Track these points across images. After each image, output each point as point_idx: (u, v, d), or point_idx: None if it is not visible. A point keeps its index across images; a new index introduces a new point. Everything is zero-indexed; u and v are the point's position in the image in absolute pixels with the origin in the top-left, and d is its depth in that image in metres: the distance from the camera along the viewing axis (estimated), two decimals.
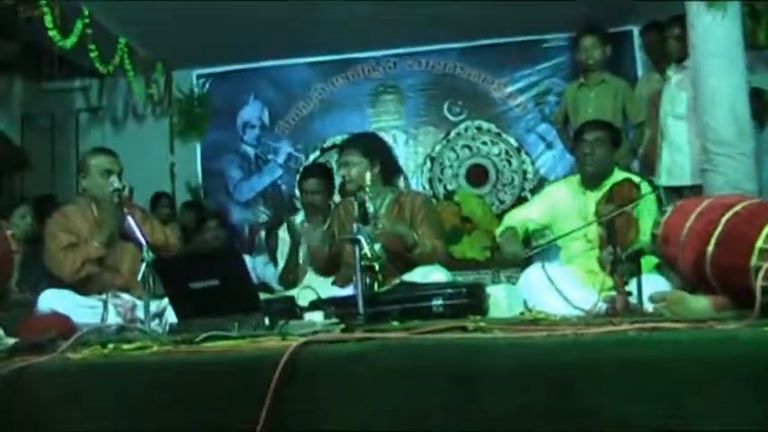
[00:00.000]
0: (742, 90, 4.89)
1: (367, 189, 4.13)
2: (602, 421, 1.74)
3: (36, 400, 2.11)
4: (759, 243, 2.56)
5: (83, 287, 4.53)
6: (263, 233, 8.18)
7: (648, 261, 3.86)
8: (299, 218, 5.89)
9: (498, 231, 4.85)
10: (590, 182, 4.72)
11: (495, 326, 2.40)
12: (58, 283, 4.57)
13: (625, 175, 4.76)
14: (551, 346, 1.90)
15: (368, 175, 4.20)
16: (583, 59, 6.39)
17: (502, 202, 8.22)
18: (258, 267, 6.75)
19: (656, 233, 3.16)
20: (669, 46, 5.78)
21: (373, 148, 4.76)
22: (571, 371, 1.79)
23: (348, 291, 4.13)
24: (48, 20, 5.88)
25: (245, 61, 8.50)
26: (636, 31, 7.86)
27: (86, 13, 6.39)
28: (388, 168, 4.78)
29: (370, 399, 1.86)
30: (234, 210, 8.57)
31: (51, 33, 5.95)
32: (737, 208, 2.77)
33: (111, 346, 2.48)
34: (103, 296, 4.40)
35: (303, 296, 3.67)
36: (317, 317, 3.15)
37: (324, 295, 3.82)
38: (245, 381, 1.95)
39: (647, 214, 4.29)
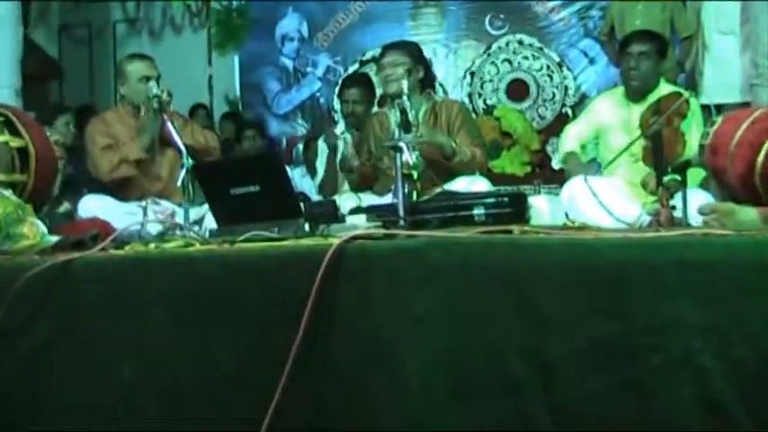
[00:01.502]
0: None
1: (407, 95, 4.07)
2: (656, 321, 1.70)
3: (80, 293, 2.12)
4: None
5: (122, 192, 4.57)
6: (300, 146, 8.17)
7: (694, 175, 3.78)
8: (339, 128, 5.85)
9: (559, 157, 4.81)
10: (635, 94, 4.63)
11: (541, 230, 2.37)
12: (98, 189, 4.60)
13: (672, 88, 4.67)
14: (602, 246, 1.86)
15: (408, 80, 4.15)
16: None
17: (542, 117, 8.12)
18: (296, 179, 6.74)
19: (704, 143, 3.09)
20: None
21: (418, 53, 4.70)
22: (624, 270, 1.74)
23: (387, 199, 4.10)
24: None
25: None
26: None
27: None
28: (428, 76, 4.73)
29: (419, 295, 1.83)
30: (272, 122, 8.55)
31: None
32: None
33: (152, 245, 2.49)
34: (143, 202, 4.42)
35: (343, 203, 3.66)
36: (358, 221, 3.12)
37: (364, 204, 3.82)
38: (289, 276, 1.93)
39: (694, 128, 4.21)
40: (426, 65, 4.76)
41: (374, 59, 8.12)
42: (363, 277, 1.87)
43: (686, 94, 4.51)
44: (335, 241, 1.89)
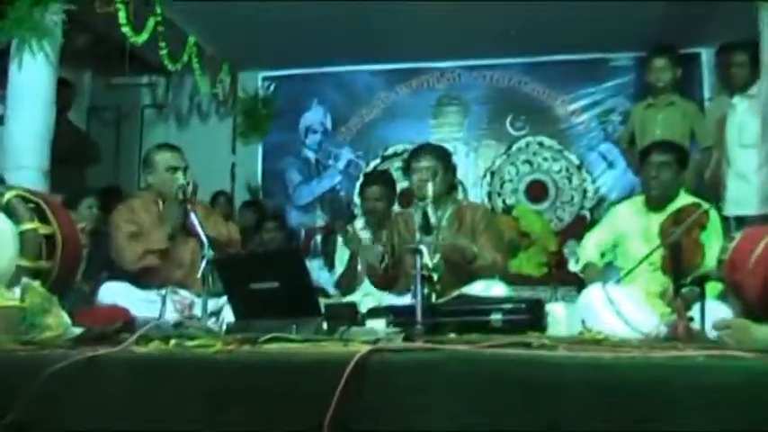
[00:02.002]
0: None
1: (430, 198, 4.13)
2: None
3: (104, 390, 2.13)
4: None
5: (142, 280, 4.60)
6: (319, 237, 8.22)
7: (713, 288, 3.79)
8: (358, 224, 5.89)
9: (579, 267, 4.83)
10: (655, 203, 4.67)
11: (559, 343, 2.38)
12: (120, 275, 4.64)
13: (692, 198, 4.70)
14: (622, 366, 1.87)
15: (436, 184, 4.25)
16: (653, 80, 6.34)
17: (560, 219, 8.17)
18: (314, 271, 6.76)
19: (723, 258, 3.12)
20: (733, 72, 5.72)
21: (448, 157, 4.79)
22: (643, 393, 1.76)
23: (406, 299, 4.12)
24: (122, 15, 5.99)
25: (310, 66, 8.53)
26: (704, 53, 7.77)
27: (159, 11, 6.49)
28: (454, 180, 4.81)
29: (440, 407, 1.86)
30: (291, 213, 8.60)
31: (124, 29, 6.04)
32: None
33: (173, 341, 2.51)
34: (162, 291, 4.46)
35: (363, 302, 3.68)
36: (377, 324, 3.14)
37: (382, 303, 3.84)
38: (310, 385, 1.95)
39: (714, 240, 4.23)
40: (454, 169, 4.85)
41: (395, 155, 8.32)
42: (383, 388, 1.90)
43: (706, 205, 4.54)
44: (357, 351, 1.92)
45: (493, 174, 8.37)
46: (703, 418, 1.73)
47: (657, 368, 1.85)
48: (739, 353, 2.16)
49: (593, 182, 8.22)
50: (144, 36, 6.31)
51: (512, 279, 5.16)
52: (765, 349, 2.35)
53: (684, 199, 4.64)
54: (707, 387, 1.77)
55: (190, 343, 2.46)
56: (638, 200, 4.87)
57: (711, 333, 3.05)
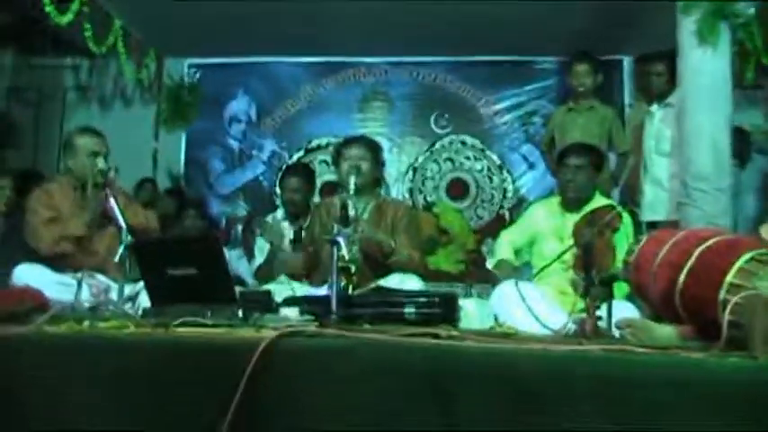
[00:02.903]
0: (725, 127, 4.97)
1: (351, 190, 4.19)
2: None
3: (11, 369, 2.12)
4: (729, 277, 2.61)
5: (58, 264, 4.54)
6: (239, 227, 8.21)
7: (621, 287, 3.91)
8: (278, 214, 5.91)
9: (493, 264, 4.91)
10: (570, 205, 4.79)
11: (467, 336, 2.44)
12: (34, 258, 4.58)
13: (606, 201, 4.84)
14: (522, 356, 1.94)
15: (362, 176, 4.32)
16: (574, 85, 6.45)
17: (480, 217, 8.29)
18: (233, 261, 6.74)
19: (628, 260, 3.21)
20: (651, 82, 5.87)
21: (379, 151, 4.87)
22: (541, 383, 1.83)
23: (323, 291, 4.16)
24: None
25: (237, 55, 8.48)
26: (626, 60, 7.95)
27: None
28: (380, 174, 4.87)
29: (345, 394, 1.90)
30: (213, 202, 8.56)
31: (48, 9, 5.93)
32: (711, 242, 2.81)
33: (86, 323, 2.51)
34: (78, 275, 4.41)
35: (278, 291, 3.70)
36: (291, 313, 3.17)
37: (298, 293, 3.87)
38: (219, 368, 1.98)
39: (625, 241, 4.33)
40: (383, 164, 4.91)
41: (319, 148, 8.34)
42: (292, 373, 1.93)
43: (619, 207, 4.67)
44: (267, 335, 1.95)
45: (415, 170, 8.45)
46: (599, 409, 1.80)
47: (556, 359, 1.92)
48: (640, 349, 2.26)
49: (514, 182, 8.35)
50: (68, 17, 6.19)
51: (429, 275, 5.23)
52: (664, 347, 2.46)
53: (599, 201, 4.76)
54: (604, 378, 1.84)
55: (103, 324, 2.46)
56: (554, 200, 4.98)
57: (617, 332, 3.16)
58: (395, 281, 4.21)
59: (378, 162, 4.80)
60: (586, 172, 4.77)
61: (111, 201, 4.23)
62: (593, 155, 4.90)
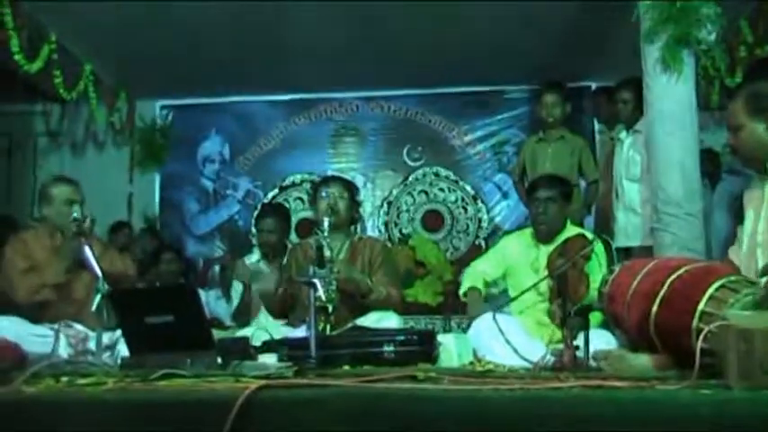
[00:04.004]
0: (694, 151, 5.03)
1: (326, 231, 4.22)
2: None
3: None
4: (701, 306, 2.66)
5: (35, 314, 4.52)
6: (217, 267, 8.20)
7: (596, 316, 3.95)
8: (254, 256, 5.93)
9: (462, 291, 4.93)
10: (543, 236, 4.82)
11: (444, 376, 2.47)
12: (9, 310, 4.55)
13: (578, 230, 4.88)
14: (497, 399, 1.97)
15: (340, 212, 4.38)
16: (543, 115, 6.51)
17: (456, 248, 8.33)
18: (211, 302, 6.74)
19: (603, 291, 3.26)
20: (619, 110, 5.95)
21: (355, 192, 4.92)
22: (518, 425, 1.85)
23: (300, 331, 4.17)
24: (14, 43, 5.87)
25: (208, 95, 8.52)
26: (594, 86, 8.04)
27: (53, 38, 6.40)
28: (356, 213, 4.92)
29: None
30: (189, 243, 8.55)
31: (17, 57, 5.94)
32: (682, 271, 2.86)
33: (65, 379, 2.50)
34: (55, 326, 4.40)
35: (257, 335, 3.71)
36: (269, 358, 3.18)
37: (276, 335, 3.87)
38: (200, 422, 1.98)
39: (598, 270, 4.39)
40: (359, 203, 4.96)
41: (294, 185, 8.38)
42: (269, 425, 1.94)
43: (590, 236, 4.72)
44: (246, 388, 1.96)
45: (390, 203, 8.48)
46: None
47: (531, 401, 1.94)
48: (616, 383, 2.29)
49: (488, 212, 8.40)
50: (38, 64, 6.22)
51: (408, 307, 5.26)
52: (640, 377, 2.49)
53: (570, 231, 4.80)
54: (579, 418, 1.87)
55: (81, 381, 2.46)
56: (527, 232, 5.01)
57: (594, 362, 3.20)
58: (373, 319, 4.23)
59: (354, 201, 4.84)
60: (556, 204, 4.81)
61: (87, 250, 4.22)
62: (561, 186, 4.94)
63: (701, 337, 2.40)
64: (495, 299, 5.19)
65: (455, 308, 6.97)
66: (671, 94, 5.04)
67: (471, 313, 4.67)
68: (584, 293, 4.31)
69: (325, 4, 6.19)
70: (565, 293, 3.74)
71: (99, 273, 3.92)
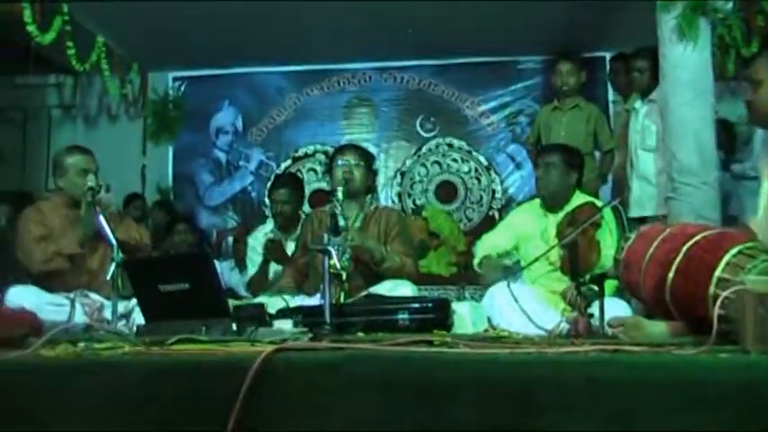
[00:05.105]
0: (709, 121, 5.01)
1: (341, 199, 4.22)
2: None
3: (7, 396, 2.13)
4: (718, 272, 2.64)
5: (50, 283, 4.54)
6: (230, 239, 8.21)
7: (610, 284, 3.93)
8: (268, 227, 5.94)
9: (476, 262, 4.91)
10: (549, 204, 4.81)
11: (460, 341, 2.47)
12: (26, 279, 4.58)
13: (586, 198, 4.84)
14: (515, 362, 1.96)
15: (356, 180, 4.37)
16: (558, 84, 6.49)
17: (470, 219, 8.32)
18: (225, 273, 6.75)
19: (618, 258, 3.24)
20: (634, 79, 5.90)
21: (372, 160, 4.92)
22: (533, 388, 1.85)
23: (315, 300, 4.17)
24: (27, 14, 5.86)
25: (221, 67, 8.51)
26: (609, 56, 7.98)
27: (65, 9, 6.39)
28: (373, 182, 4.89)
29: (339, 408, 1.91)
30: (203, 214, 8.58)
31: (30, 28, 5.93)
32: (698, 237, 2.84)
33: (81, 344, 2.51)
34: (71, 294, 4.42)
35: (271, 303, 3.72)
36: (285, 325, 3.19)
37: (291, 303, 3.88)
38: (215, 385, 1.98)
39: (608, 237, 4.37)
40: (375, 172, 4.93)
41: (306, 156, 8.38)
42: (286, 388, 1.95)
43: (599, 203, 4.70)
44: (260, 351, 1.97)
45: (403, 174, 8.48)
46: (593, 410, 1.82)
47: (548, 364, 1.94)
48: (633, 348, 2.28)
49: (502, 183, 8.39)
50: (51, 36, 6.20)
51: (421, 278, 5.25)
52: (656, 343, 2.48)
53: (579, 199, 4.77)
54: (598, 380, 1.86)
55: (98, 345, 2.47)
56: (536, 202, 4.99)
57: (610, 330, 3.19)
58: (387, 287, 4.23)
59: (370, 170, 4.81)
60: (557, 169, 4.78)
61: (101, 218, 4.23)
62: (565, 153, 4.91)
63: (718, 303, 2.39)
64: (509, 270, 5.17)
65: (469, 278, 6.96)
66: (686, 63, 5.01)
67: (487, 280, 4.65)
68: (596, 261, 4.29)
69: None
70: (576, 262, 3.74)
71: (114, 242, 3.94)
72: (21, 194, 6.99)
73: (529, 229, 4.85)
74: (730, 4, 4.96)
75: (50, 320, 3.73)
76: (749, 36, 6.26)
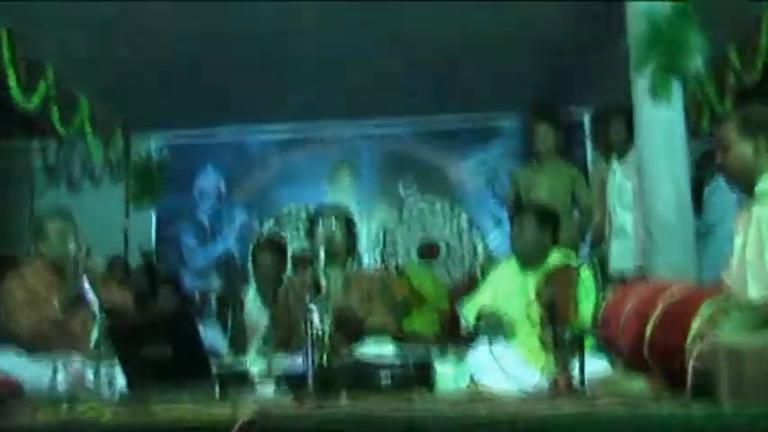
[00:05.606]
0: (684, 178, 5.09)
1: (321, 262, 4.23)
2: None
3: None
4: (694, 326, 2.68)
5: (34, 347, 4.51)
6: (213, 300, 8.20)
7: (589, 341, 3.95)
8: (250, 290, 5.94)
9: (469, 323, 4.91)
10: (525, 263, 4.83)
11: (441, 400, 2.49)
12: (8, 342, 4.56)
13: (564, 256, 4.87)
14: (496, 421, 1.98)
15: (337, 243, 4.38)
16: (536, 145, 6.55)
17: (452, 279, 8.35)
18: (208, 334, 6.73)
19: (597, 315, 3.28)
20: (611, 139, 6.00)
21: (352, 221, 4.93)
22: None
23: (298, 359, 4.17)
24: (12, 80, 5.89)
25: (204, 128, 8.59)
26: (586, 116, 8.10)
27: (50, 74, 6.43)
28: (354, 244, 4.92)
29: None
30: (186, 276, 8.56)
31: (14, 93, 5.96)
32: (675, 292, 2.89)
33: (64, 408, 2.51)
34: (54, 357, 4.39)
35: (254, 363, 3.72)
36: (267, 388, 3.19)
37: (273, 363, 3.88)
38: None
39: (586, 295, 4.40)
40: (356, 235, 4.96)
41: (289, 217, 8.40)
42: None
43: (576, 262, 4.73)
44: (242, 417, 1.98)
45: (386, 235, 8.51)
46: None
47: (527, 423, 1.96)
48: (610, 405, 2.31)
49: (484, 241, 8.42)
50: (35, 101, 6.24)
51: (405, 338, 5.25)
52: (634, 400, 2.51)
53: (556, 257, 4.81)
54: None
55: (80, 409, 2.47)
56: (513, 261, 5.02)
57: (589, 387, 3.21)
58: (370, 347, 4.23)
59: (351, 232, 4.85)
60: (532, 228, 4.81)
61: (85, 281, 4.24)
62: (539, 212, 4.95)
63: (694, 356, 2.42)
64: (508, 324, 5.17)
65: (452, 337, 6.96)
66: (660, 122, 5.11)
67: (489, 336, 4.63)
68: (574, 318, 4.31)
69: (322, 35, 6.25)
70: (555, 319, 3.76)
71: (97, 305, 3.94)
72: (3, 258, 6.97)
73: (508, 288, 4.87)
74: (701, 64, 5.06)
75: (31, 383, 3.72)
76: (722, 94, 6.38)
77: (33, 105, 6.24)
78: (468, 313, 4.97)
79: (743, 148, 3.17)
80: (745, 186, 3.25)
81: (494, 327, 4.68)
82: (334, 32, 6.30)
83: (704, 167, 6.01)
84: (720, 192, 5.62)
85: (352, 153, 8.70)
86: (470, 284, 7.70)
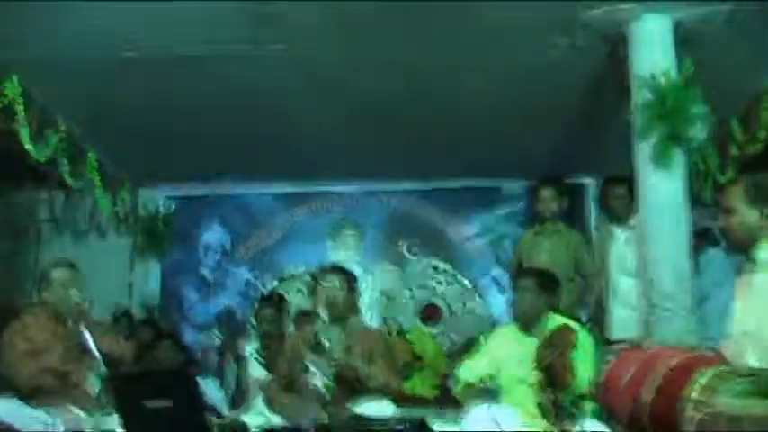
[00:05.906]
0: (685, 247, 5.10)
1: (325, 319, 4.27)
2: None
3: None
4: (693, 394, 2.69)
5: (35, 397, 4.51)
6: (214, 356, 8.19)
7: (590, 406, 3.96)
8: (252, 344, 5.96)
9: (458, 388, 4.92)
10: (523, 327, 4.84)
11: None
12: (9, 392, 4.55)
13: (563, 320, 4.88)
14: None
15: (338, 303, 4.41)
16: (540, 210, 6.55)
17: (453, 342, 8.33)
18: (208, 390, 6.71)
19: (598, 381, 3.29)
20: (613, 205, 6.05)
21: (354, 280, 4.98)
22: None
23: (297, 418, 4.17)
24: (25, 134, 5.93)
25: (211, 186, 8.64)
26: (591, 183, 8.15)
27: (61, 126, 6.49)
28: (355, 303, 4.96)
29: None
30: (188, 331, 8.57)
31: (28, 147, 5.99)
32: (675, 360, 2.91)
33: None
34: (54, 409, 4.39)
35: (254, 420, 3.73)
36: None
37: (273, 421, 3.89)
38: None
39: (583, 359, 4.40)
40: (358, 293, 5.01)
41: (293, 277, 8.43)
42: None
43: (574, 326, 4.74)
44: None
45: (388, 296, 8.53)
46: None
47: None
48: None
49: (486, 305, 8.43)
50: (46, 153, 6.28)
51: (405, 399, 5.24)
52: None
53: (555, 321, 4.81)
54: None
55: None
56: (513, 326, 5.02)
57: None
58: (370, 407, 4.24)
59: (353, 291, 4.89)
60: (532, 293, 4.82)
61: (86, 333, 4.26)
62: (539, 277, 4.97)
63: (694, 422, 2.44)
64: (490, 395, 5.17)
65: (451, 400, 6.94)
66: (662, 191, 5.14)
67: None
68: (572, 382, 4.32)
69: (326, 96, 6.33)
70: (554, 383, 3.77)
71: (98, 357, 3.95)
72: (6, 308, 6.98)
73: (507, 353, 4.86)
74: (704, 134, 5.10)
75: None
76: (724, 165, 6.43)
77: (45, 158, 6.28)
78: (461, 377, 4.96)
79: (748, 214, 3.20)
80: (745, 250, 3.28)
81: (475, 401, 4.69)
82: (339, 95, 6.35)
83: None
84: (714, 260, 5.66)
85: (356, 213, 8.72)
86: (471, 348, 7.70)
